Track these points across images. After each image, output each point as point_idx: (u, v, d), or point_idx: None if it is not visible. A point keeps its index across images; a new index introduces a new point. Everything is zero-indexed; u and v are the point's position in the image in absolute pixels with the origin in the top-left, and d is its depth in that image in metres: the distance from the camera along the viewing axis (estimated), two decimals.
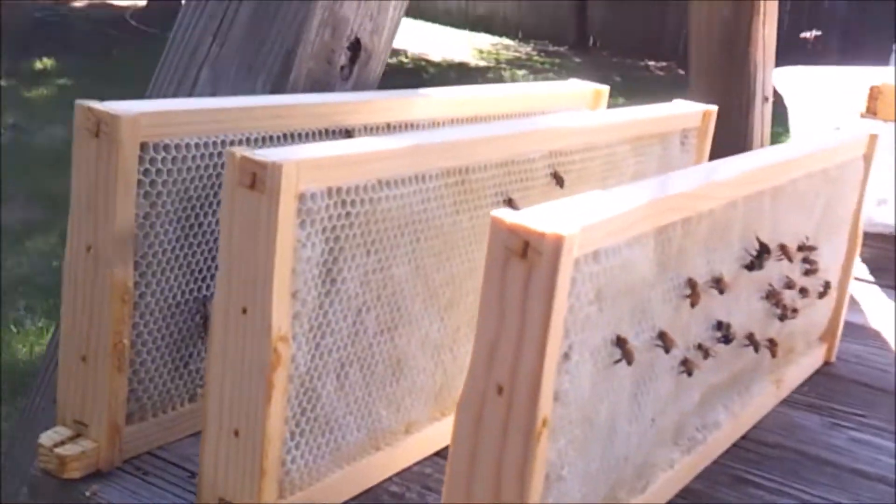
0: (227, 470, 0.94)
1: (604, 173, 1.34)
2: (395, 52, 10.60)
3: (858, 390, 1.50)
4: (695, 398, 1.15)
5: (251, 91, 1.26)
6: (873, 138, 1.50)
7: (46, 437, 1.03)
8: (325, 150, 0.95)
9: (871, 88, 2.02)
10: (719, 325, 1.14)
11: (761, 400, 1.35)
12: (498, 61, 11.04)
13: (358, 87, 1.35)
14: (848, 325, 1.73)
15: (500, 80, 9.79)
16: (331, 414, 1.01)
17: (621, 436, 0.98)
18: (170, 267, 1.05)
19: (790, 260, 1.26)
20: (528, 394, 0.80)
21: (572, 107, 1.57)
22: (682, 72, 11.11)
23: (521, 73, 10.31)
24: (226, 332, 0.92)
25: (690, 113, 1.54)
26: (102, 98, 1.00)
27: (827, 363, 1.58)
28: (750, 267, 1.16)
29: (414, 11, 13.29)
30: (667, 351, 1.00)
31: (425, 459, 1.15)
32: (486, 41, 12.36)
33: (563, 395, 0.85)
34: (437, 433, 1.16)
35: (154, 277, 1.04)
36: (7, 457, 1.30)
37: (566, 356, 0.84)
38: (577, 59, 11.61)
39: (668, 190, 0.97)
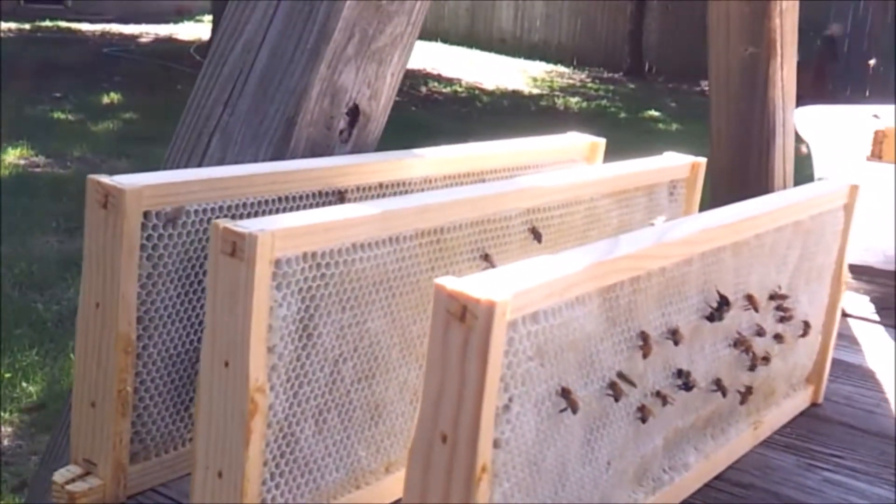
0: None
1: (585, 227, 1.43)
2: (450, 82, 10.77)
3: (840, 431, 1.55)
4: (657, 442, 1.22)
5: (255, 155, 1.38)
6: (854, 189, 1.56)
7: (59, 475, 1.16)
8: (301, 219, 1.06)
9: (876, 133, 2.08)
10: (679, 373, 1.21)
11: (738, 442, 1.42)
12: (552, 88, 11.15)
13: (357, 148, 1.46)
14: (843, 364, 1.79)
15: (553, 107, 9.89)
16: (309, 456, 1.11)
17: (573, 478, 1.07)
18: (171, 321, 1.17)
19: (756, 310, 1.33)
20: (469, 442, 0.90)
21: (567, 161, 1.66)
22: None
23: (574, 100, 10.40)
24: (211, 384, 1.03)
25: (678, 165, 1.62)
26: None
27: (814, 404, 1.64)
28: (710, 318, 1.24)
29: (469, 40, 13.49)
30: (616, 399, 1.09)
31: None
32: (540, 69, 12.50)
33: (505, 443, 0.94)
34: None
35: (156, 331, 1.16)
36: (29, 490, 1.43)
37: (507, 407, 0.93)
38: (632, 86, 11.67)
39: (613, 253, 1.05)
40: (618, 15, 12.53)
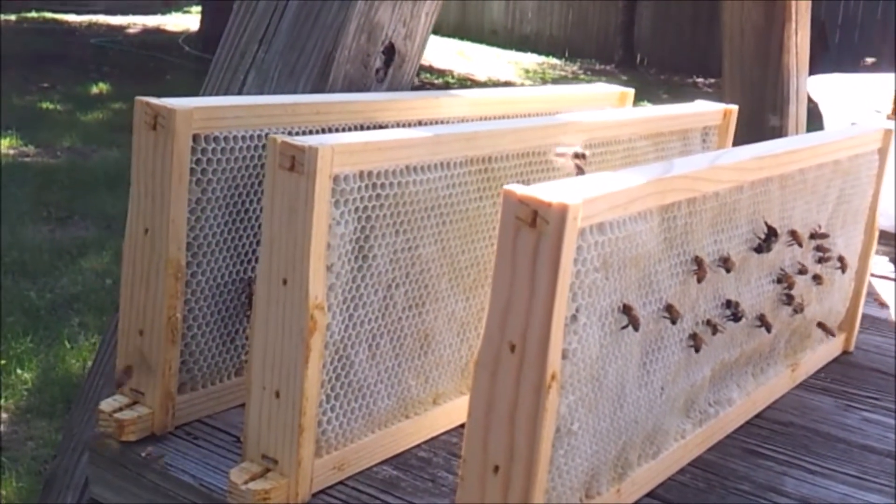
0: (269, 428, 1.04)
1: (623, 166, 1.42)
2: (441, 73, 10.75)
3: (874, 377, 1.55)
4: (705, 372, 1.22)
5: (293, 92, 1.37)
6: (888, 133, 1.56)
7: (106, 404, 1.14)
8: (357, 137, 1.04)
9: None
10: (728, 304, 1.21)
11: (776, 382, 1.42)
12: (544, 80, 11.14)
13: (392, 88, 1.45)
14: (871, 318, 1.79)
15: None
16: (363, 381, 1.10)
17: (630, 399, 1.06)
18: (219, 249, 1.16)
19: (800, 245, 1.33)
20: (538, 351, 0.88)
21: (598, 107, 1.65)
22: None
23: None
24: (268, 302, 1.02)
25: (711, 111, 1.61)
26: None
27: (846, 352, 1.64)
28: (758, 249, 1.23)
29: (461, 32, 13.46)
30: (673, 322, 1.08)
31: (452, 429, 1.24)
32: (532, 60, 12.48)
33: (572, 354, 0.93)
34: (464, 405, 1.23)
35: (204, 258, 1.14)
36: (65, 432, 1.41)
37: (574, 318, 0.93)
38: (624, 77, 11.67)
39: (672, 172, 1.05)
40: (609, 6, 12.53)
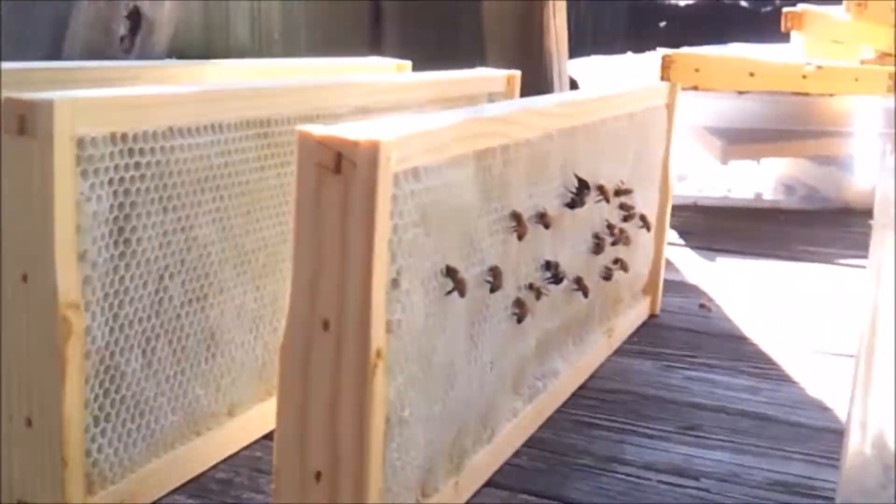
0: (22, 467, 0.82)
1: None
2: None
3: (684, 336, 1.51)
4: (531, 343, 1.10)
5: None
6: (673, 87, 1.53)
7: None
8: (106, 92, 0.85)
9: (664, 58, 2.09)
10: (548, 265, 1.10)
11: (595, 350, 1.33)
12: None
13: (143, 58, 1.25)
14: (666, 282, 1.76)
15: None
16: (139, 395, 0.90)
17: (461, 378, 0.92)
18: None
19: (608, 201, 1.25)
20: (359, 324, 0.73)
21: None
22: None
23: None
24: (6, 306, 0.80)
25: (496, 77, 1.52)
26: None
27: (652, 315, 1.59)
28: (571, 205, 1.14)
29: (211, 54, 13.06)
30: (498, 287, 0.95)
31: (254, 443, 1.06)
32: None
33: (396, 327, 0.78)
34: (265, 414, 1.06)
35: None
36: None
37: (395, 283, 0.78)
38: None
39: (482, 114, 0.93)
40: (357, 29, 12.55)
